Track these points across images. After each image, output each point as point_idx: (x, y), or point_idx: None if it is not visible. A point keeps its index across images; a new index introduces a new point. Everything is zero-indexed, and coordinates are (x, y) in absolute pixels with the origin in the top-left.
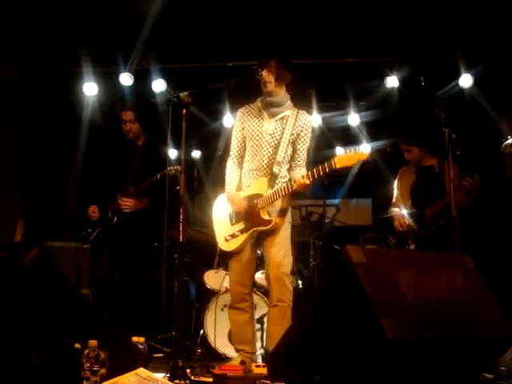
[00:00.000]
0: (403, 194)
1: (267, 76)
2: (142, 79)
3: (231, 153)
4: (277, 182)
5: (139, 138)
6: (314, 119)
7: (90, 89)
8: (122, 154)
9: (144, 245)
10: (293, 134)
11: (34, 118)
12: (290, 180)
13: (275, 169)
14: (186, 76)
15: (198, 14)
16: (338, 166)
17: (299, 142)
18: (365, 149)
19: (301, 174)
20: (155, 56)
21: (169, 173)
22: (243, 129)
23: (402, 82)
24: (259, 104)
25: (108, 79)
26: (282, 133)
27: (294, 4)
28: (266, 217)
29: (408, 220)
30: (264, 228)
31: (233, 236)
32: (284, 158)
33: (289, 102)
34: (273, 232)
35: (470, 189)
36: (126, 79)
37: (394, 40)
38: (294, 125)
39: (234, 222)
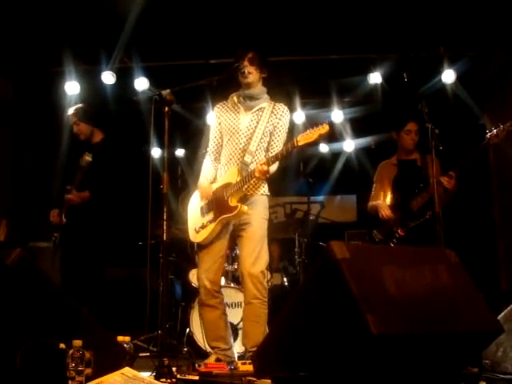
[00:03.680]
0: (385, 186)
1: (248, 67)
2: (124, 77)
3: (208, 149)
4: (248, 171)
5: (94, 136)
6: (297, 116)
7: (72, 88)
8: (76, 153)
9: (119, 245)
10: (269, 125)
11: (17, 118)
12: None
13: (246, 158)
14: (168, 74)
15: (180, 12)
16: (300, 143)
17: (275, 134)
18: (325, 123)
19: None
20: (137, 54)
21: (85, 160)
22: (219, 124)
23: (385, 78)
24: (234, 98)
25: (90, 78)
26: (257, 124)
27: (277, 1)
28: (233, 204)
29: (393, 211)
30: (230, 215)
31: (202, 227)
32: (257, 148)
33: (265, 95)
34: (247, 228)
35: (446, 186)
36: (108, 78)
37: (377, 36)
38: (270, 116)
39: (204, 213)
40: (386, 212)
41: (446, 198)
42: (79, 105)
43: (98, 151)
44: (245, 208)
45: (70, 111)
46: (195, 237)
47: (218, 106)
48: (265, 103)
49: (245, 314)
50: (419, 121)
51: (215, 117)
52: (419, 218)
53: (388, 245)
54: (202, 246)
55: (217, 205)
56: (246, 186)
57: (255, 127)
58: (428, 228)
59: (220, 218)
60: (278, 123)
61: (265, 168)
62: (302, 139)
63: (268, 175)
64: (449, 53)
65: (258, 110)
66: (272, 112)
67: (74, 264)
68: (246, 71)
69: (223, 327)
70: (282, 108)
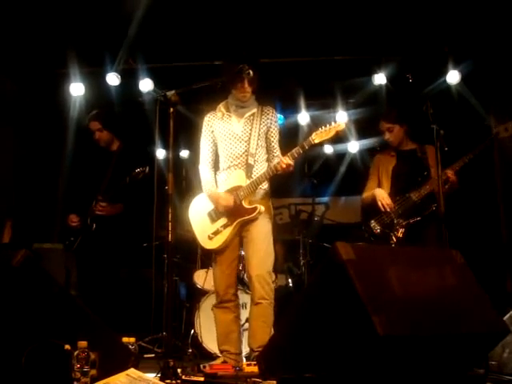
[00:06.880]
0: (381, 177)
1: (247, 87)
2: (128, 79)
3: (202, 157)
4: (254, 172)
5: (112, 144)
6: (302, 117)
7: (77, 89)
8: (97, 160)
9: (125, 246)
10: (262, 127)
11: (21, 119)
12: (269, 167)
13: (250, 160)
14: (172, 75)
15: (185, 13)
16: (316, 141)
17: (271, 134)
18: (340, 120)
19: (281, 157)
20: (142, 55)
21: (137, 176)
22: (212, 132)
23: (389, 79)
24: (222, 109)
25: (95, 79)
26: (251, 127)
27: (281, 2)
28: (248, 205)
29: (393, 201)
30: (248, 217)
31: (216, 233)
32: (257, 150)
33: (255, 102)
34: (250, 229)
35: (450, 178)
36: (112, 79)
37: (381, 37)
38: (262, 118)
39: (215, 218)
40: (385, 201)
41: (447, 191)
42: (101, 110)
43: (120, 160)
44: (262, 208)
45: (94, 117)
46: (208, 244)
47: (207, 116)
48: (254, 109)
49: (252, 315)
50: (383, 116)
51: (207, 125)
52: (422, 211)
53: (389, 242)
54: (217, 251)
55: (230, 209)
56: (260, 186)
57: (250, 130)
58: (429, 222)
59: (237, 221)
60: (270, 123)
61: (290, 162)
62: (317, 137)
63: (292, 168)
64: (453, 53)
65: (249, 115)
66: (262, 115)
67: (96, 267)
68: (251, 72)
69: (235, 331)
70: (270, 109)
